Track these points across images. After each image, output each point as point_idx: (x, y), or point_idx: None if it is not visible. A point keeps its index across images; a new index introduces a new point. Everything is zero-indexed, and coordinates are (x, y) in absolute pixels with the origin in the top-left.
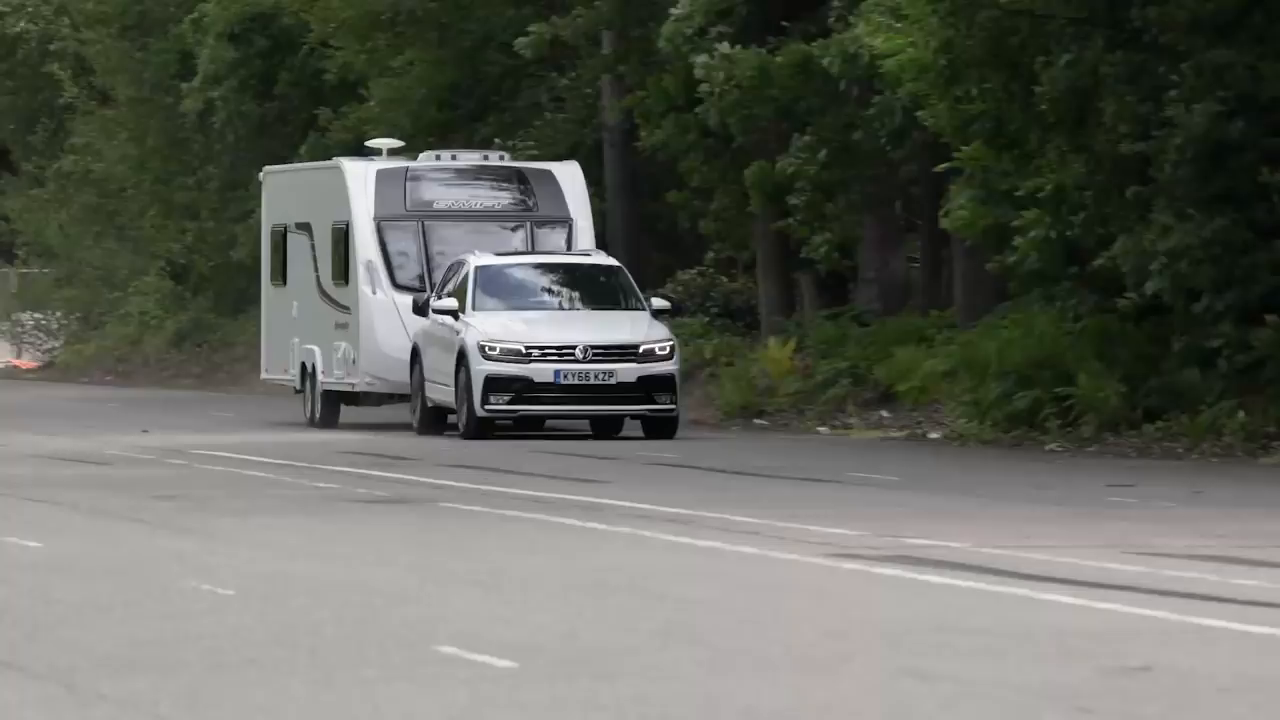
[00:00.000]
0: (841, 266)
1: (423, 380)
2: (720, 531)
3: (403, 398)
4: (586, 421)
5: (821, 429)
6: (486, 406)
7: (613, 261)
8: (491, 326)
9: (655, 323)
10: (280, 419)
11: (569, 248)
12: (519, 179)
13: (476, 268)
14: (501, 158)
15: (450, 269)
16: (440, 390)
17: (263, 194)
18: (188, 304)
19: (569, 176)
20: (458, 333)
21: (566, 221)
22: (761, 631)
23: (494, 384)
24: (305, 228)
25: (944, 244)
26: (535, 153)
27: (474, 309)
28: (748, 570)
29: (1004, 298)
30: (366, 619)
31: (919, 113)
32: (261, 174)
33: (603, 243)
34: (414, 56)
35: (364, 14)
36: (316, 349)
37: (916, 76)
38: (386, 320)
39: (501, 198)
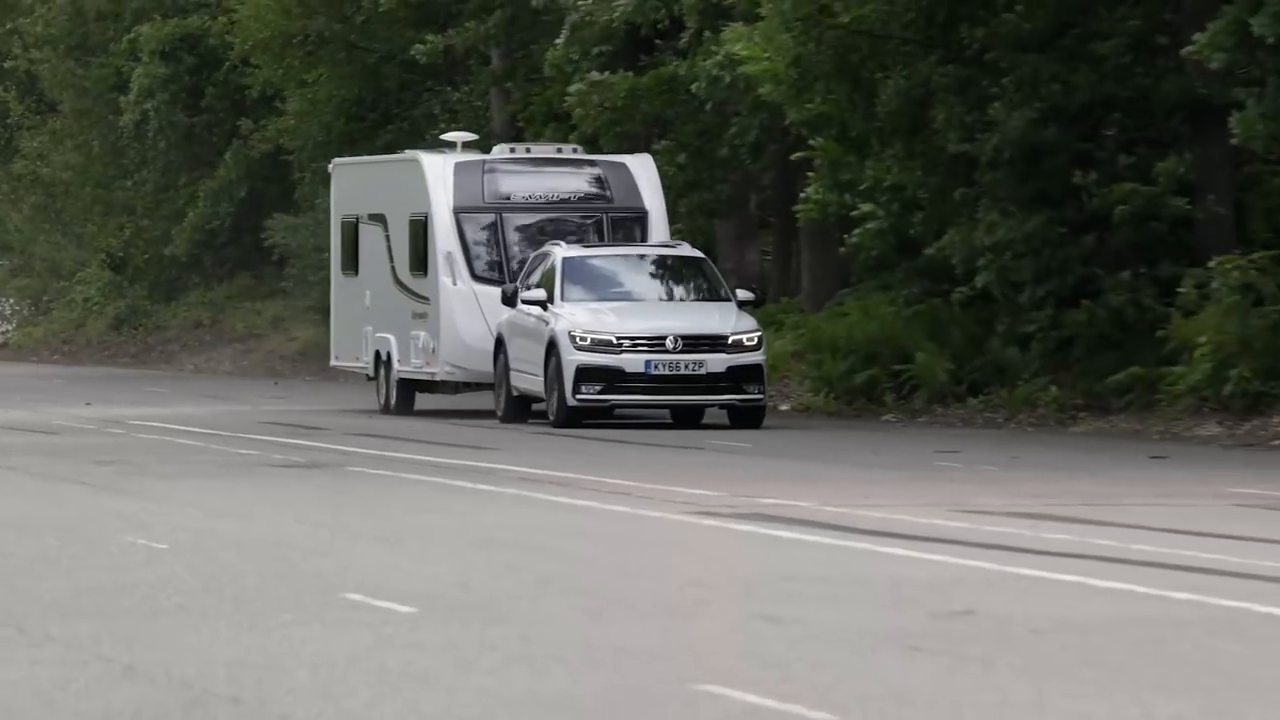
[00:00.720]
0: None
1: (507, 369)
2: (595, 493)
3: (480, 386)
4: (664, 410)
5: None
6: (578, 396)
7: (698, 253)
8: (582, 317)
9: (742, 314)
10: (213, 394)
11: (644, 239)
12: (594, 171)
13: (564, 259)
14: (575, 150)
15: (533, 260)
16: (526, 379)
17: (331, 186)
18: (125, 292)
19: (642, 168)
20: (546, 323)
21: (641, 213)
22: (632, 581)
23: (585, 374)
24: (379, 219)
25: (793, 238)
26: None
27: (563, 299)
28: (619, 527)
29: (847, 285)
30: (283, 570)
31: (786, 110)
32: (331, 166)
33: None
34: (324, 72)
35: (279, 35)
36: (392, 338)
37: (772, 84)
38: (466, 310)
39: (577, 190)
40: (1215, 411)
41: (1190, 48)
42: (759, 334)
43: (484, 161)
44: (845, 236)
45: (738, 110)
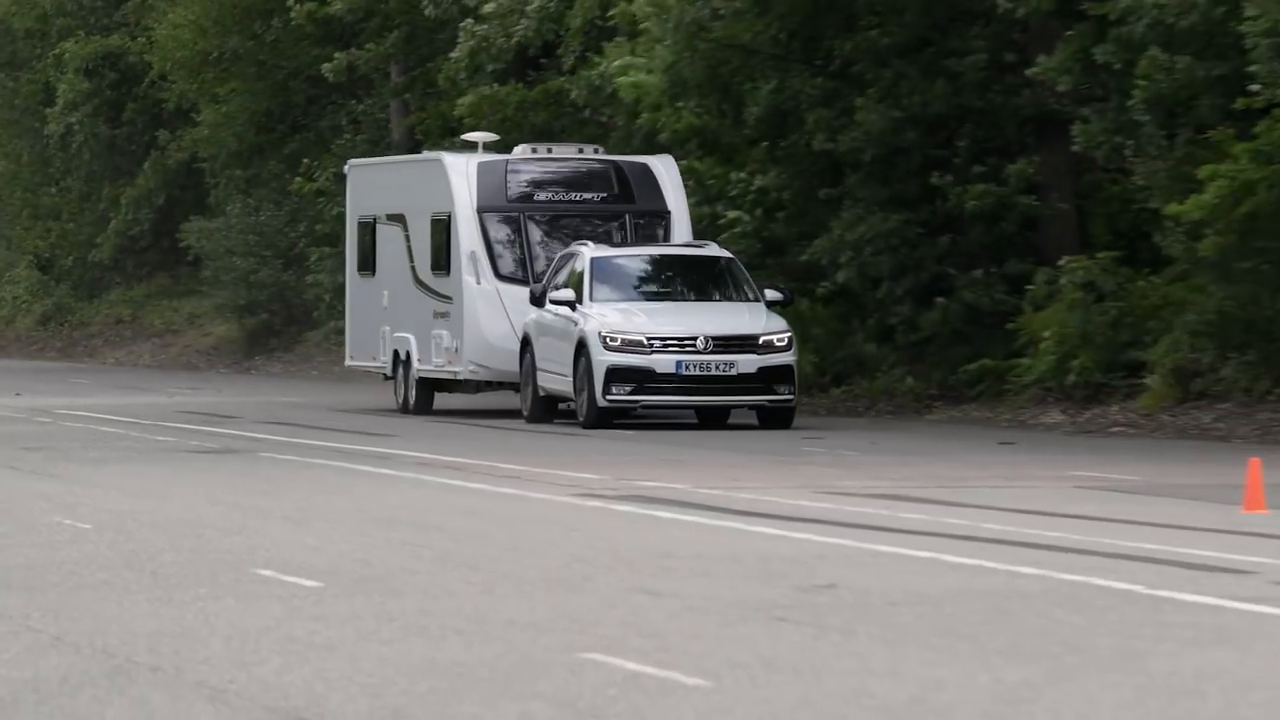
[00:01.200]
0: None
1: (534, 369)
2: (488, 476)
3: (503, 385)
4: (688, 410)
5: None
6: (608, 397)
7: (726, 253)
8: (612, 317)
9: (772, 314)
10: (133, 385)
11: (666, 239)
12: (616, 172)
13: (593, 259)
14: (596, 151)
15: (560, 260)
16: (553, 379)
17: (348, 187)
18: (52, 291)
19: (664, 170)
20: (575, 323)
21: (664, 213)
22: (520, 557)
23: (616, 374)
24: (398, 219)
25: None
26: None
27: (592, 300)
28: (510, 508)
29: None
30: (199, 547)
31: (659, 129)
32: (347, 167)
33: (700, 235)
34: (236, 87)
35: (195, 53)
36: (412, 337)
37: (646, 97)
38: (490, 309)
39: (600, 191)
40: (1059, 400)
41: (1035, 69)
42: (789, 334)
43: (506, 161)
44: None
45: (617, 121)
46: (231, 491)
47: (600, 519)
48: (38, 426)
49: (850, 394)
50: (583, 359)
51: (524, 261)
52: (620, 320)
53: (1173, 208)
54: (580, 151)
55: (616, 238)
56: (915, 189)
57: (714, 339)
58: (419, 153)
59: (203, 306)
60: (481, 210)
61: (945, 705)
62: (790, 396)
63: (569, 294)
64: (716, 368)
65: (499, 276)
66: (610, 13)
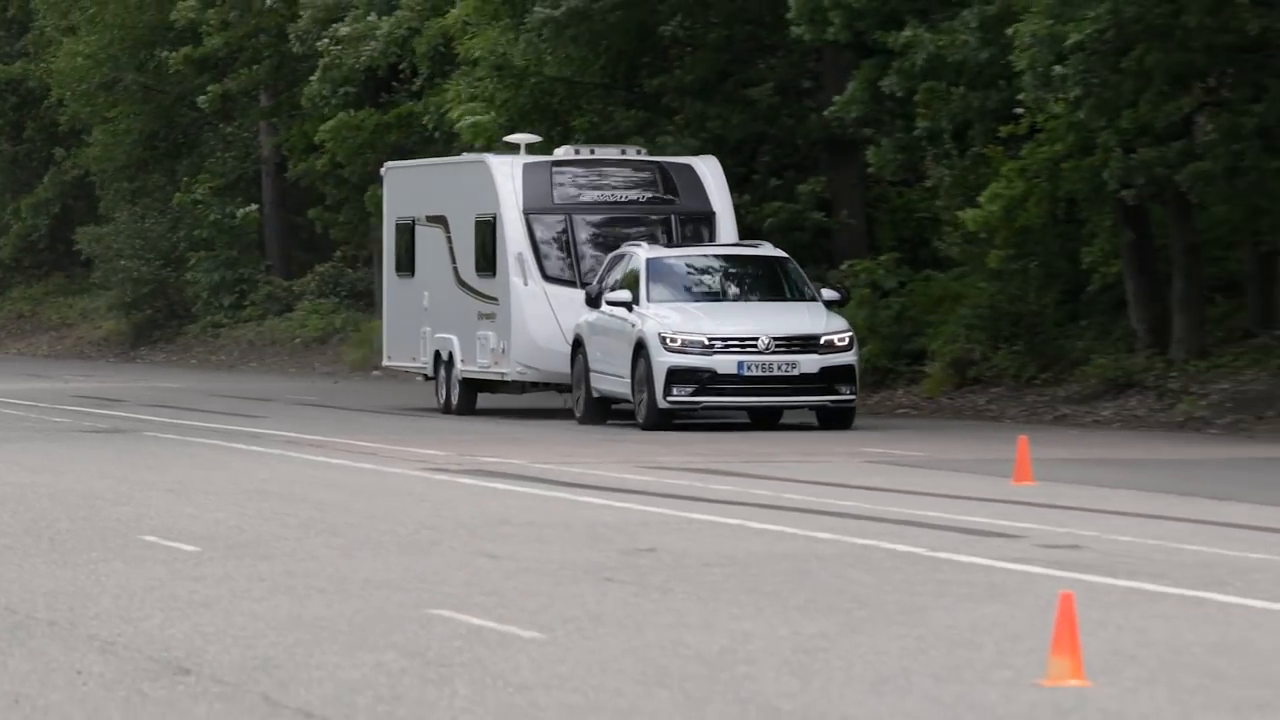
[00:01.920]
0: None
1: (587, 370)
2: (347, 452)
3: (550, 387)
4: (735, 410)
5: (419, 377)
6: (669, 398)
7: (781, 253)
8: (672, 318)
9: (831, 314)
10: (32, 372)
11: (711, 239)
12: (660, 173)
13: (648, 260)
14: (639, 152)
15: (611, 260)
16: (608, 380)
17: (384, 188)
18: None
19: (709, 170)
20: (633, 324)
21: (709, 214)
22: (376, 524)
23: (677, 375)
24: (439, 220)
25: None
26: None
27: (649, 301)
28: (367, 480)
29: None
30: (91, 516)
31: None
32: (384, 169)
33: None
34: (125, 110)
35: (89, 81)
36: (455, 338)
37: (485, 135)
38: (537, 311)
39: (645, 191)
40: None
41: (833, 108)
42: (850, 334)
43: (551, 163)
44: None
45: (460, 141)
46: (120, 466)
47: (446, 490)
48: None
49: None
50: (642, 360)
51: (571, 263)
52: (681, 321)
53: (965, 214)
54: (623, 153)
55: (662, 238)
56: None
57: (776, 339)
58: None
59: (94, 303)
60: (528, 211)
61: (752, 654)
62: (852, 397)
63: (626, 295)
64: (779, 368)
65: (546, 278)
66: (454, 44)
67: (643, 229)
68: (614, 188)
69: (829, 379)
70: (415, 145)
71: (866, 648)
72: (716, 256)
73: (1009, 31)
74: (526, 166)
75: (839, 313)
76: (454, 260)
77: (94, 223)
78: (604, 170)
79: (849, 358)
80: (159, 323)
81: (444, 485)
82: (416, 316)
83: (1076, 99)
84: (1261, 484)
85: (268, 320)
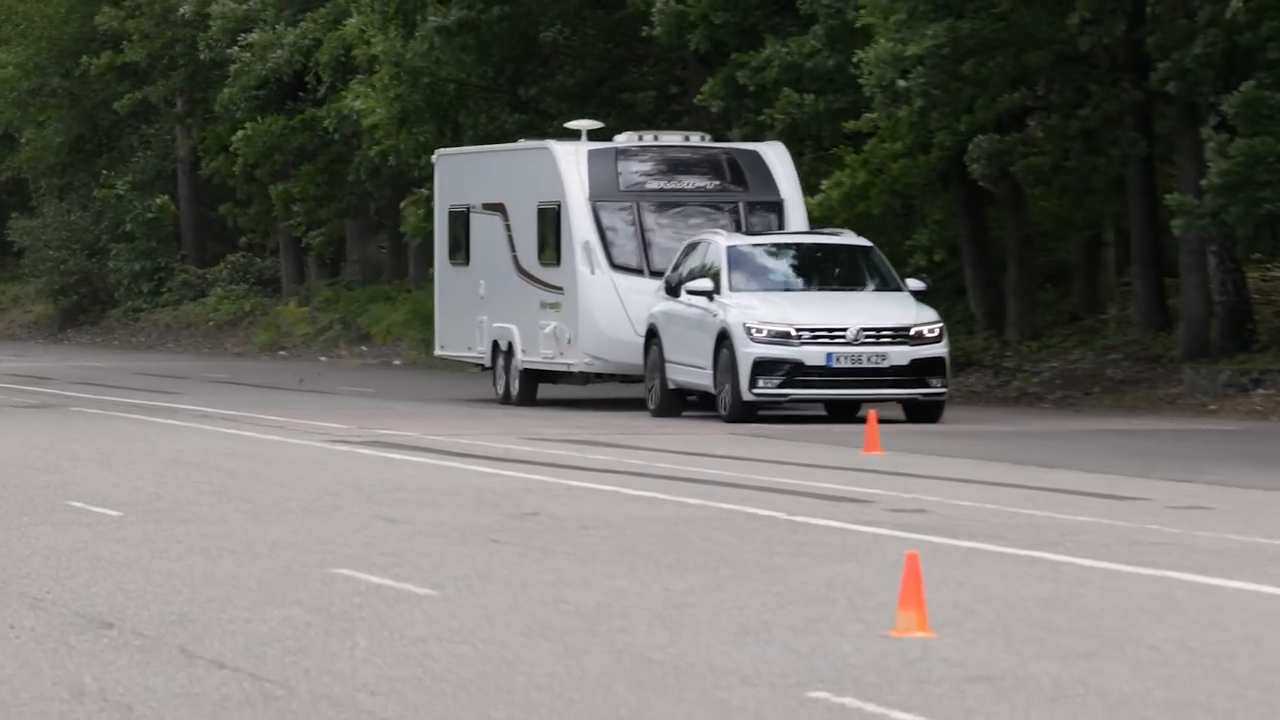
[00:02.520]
0: (330, 251)
1: (662, 361)
2: (256, 425)
3: (616, 378)
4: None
5: (323, 358)
6: (755, 390)
7: (865, 242)
8: (759, 308)
9: (921, 304)
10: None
11: (781, 228)
12: (727, 160)
13: (729, 247)
14: (702, 138)
15: (687, 249)
16: (685, 371)
17: (435, 177)
18: None
19: (776, 157)
20: (714, 314)
21: (778, 203)
22: (282, 491)
23: (763, 367)
24: (497, 208)
25: (402, 237)
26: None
27: (731, 290)
28: (273, 451)
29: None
30: (21, 484)
31: (389, 158)
32: (435, 157)
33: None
34: (52, 114)
35: (19, 88)
36: (515, 328)
37: (382, 129)
38: (605, 300)
39: (712, 179)
40: None
41: (700, 96)
42: (940, 325)
43: (617, 149)
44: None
45: (360, 144)
46: (48, 438)
47: (347, 460)
48: None
49: None
50: (725, 351)
51: (638, 251)
52: (766, 311)
53: (810, 199)
54: (686, 139)
55: (731, 226)
56: None
57: (864, 330)
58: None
59: (25, 290)
60: (594, 199)
61: (626, 609)
62: (943, 390)
63: (707, 284)
64: (868, 359)
65: (613, 266)
66: (354, 52)
67: (712, 217)
68: (681, 175)
69: (919, 371)
70: (317, 147)
71: (730, 603)
72: (798, 245)
73: (854, 59)
74: (591, 153)
75: (926, 302)
76: (514, 249)
77: (25, 216)
78: (670, 157)
79: (940, 349)
80: (84, 307)
81: (344, 455)
82: (472, 306)
83: (921, 109)
84: (1087, 453)
85: (183, 305)
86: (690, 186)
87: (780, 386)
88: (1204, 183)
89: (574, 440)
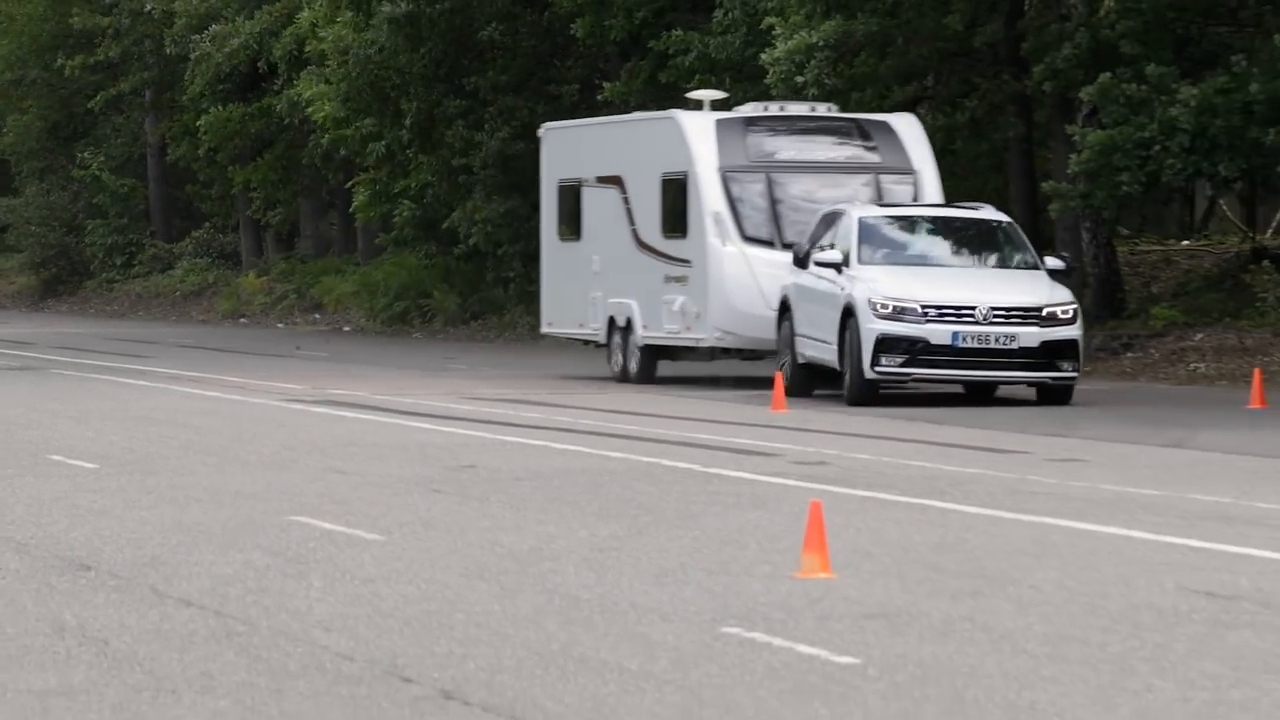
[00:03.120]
0: (285, 228)
1: (793, 336)
2: (220, 385)
3: (745, 353)
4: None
5: (280, 325)
6: (876, 368)
7: (1004, 217)
8: (884, 282)
9: (1055, 284)
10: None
11: (916, 200)
12: (859, 130)
13: (860, 219)
14: (830, 109)
15: (824, 220)
16: (816, 347)
17: (542, 151)
18: None
19: (907, 128)
20: (842, 288)
21: (911, 173)
22: (244, 445)
23: (886, 344)
24: (613, 181)
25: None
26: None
27: (860, 263)
28: (236, 409)
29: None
30: (6, 439)
31: (340, 149)
32: (542, 131)
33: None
34: (33, 104)
35: (2, 79)
36: (634, 303)
37: (332, 126)
38: (737, 273)
39: (844, 149)
40: None
41: (604, 93)
42: (1074, 306)
43: (746, 119)
44: (382, 234)
45: (313, 129)
46: (30, 397)
47: (302, 417)
48: None
49: (484, 327)
50: (850, 327)
51: (770, 222)
52: (892, 285)
53: None
54: (813, 109)
55: (864, 197)
56: (527, 180)
57: (995, 309)
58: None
59: (8, 263)
60: (724, 169)
61: (556, 552)
62: (1074, 374)
63: (836, 255)
64: (996, 340)
65: (745, 239)
66: (306, 46)
67: (846, 188)
68: (813, 145)
69: (1050, 354)
70: (273, 133)
71: (651, 547)
72: (933, 218)
73: (761, 58)
74: (720, 123)
75: (1063, 282)
76: (633, 221)
77: (8, 196)
78: (800, 126)
79: (1072, 331)
80: (62, 279)
81: (300, 413)
82: (584, 281)
83: (815, 99)
84: (973, 410)
85: (153, 276)
86: (823, 157)
87: (903, 365)
88: (1072, 169)
89: (508, 399)
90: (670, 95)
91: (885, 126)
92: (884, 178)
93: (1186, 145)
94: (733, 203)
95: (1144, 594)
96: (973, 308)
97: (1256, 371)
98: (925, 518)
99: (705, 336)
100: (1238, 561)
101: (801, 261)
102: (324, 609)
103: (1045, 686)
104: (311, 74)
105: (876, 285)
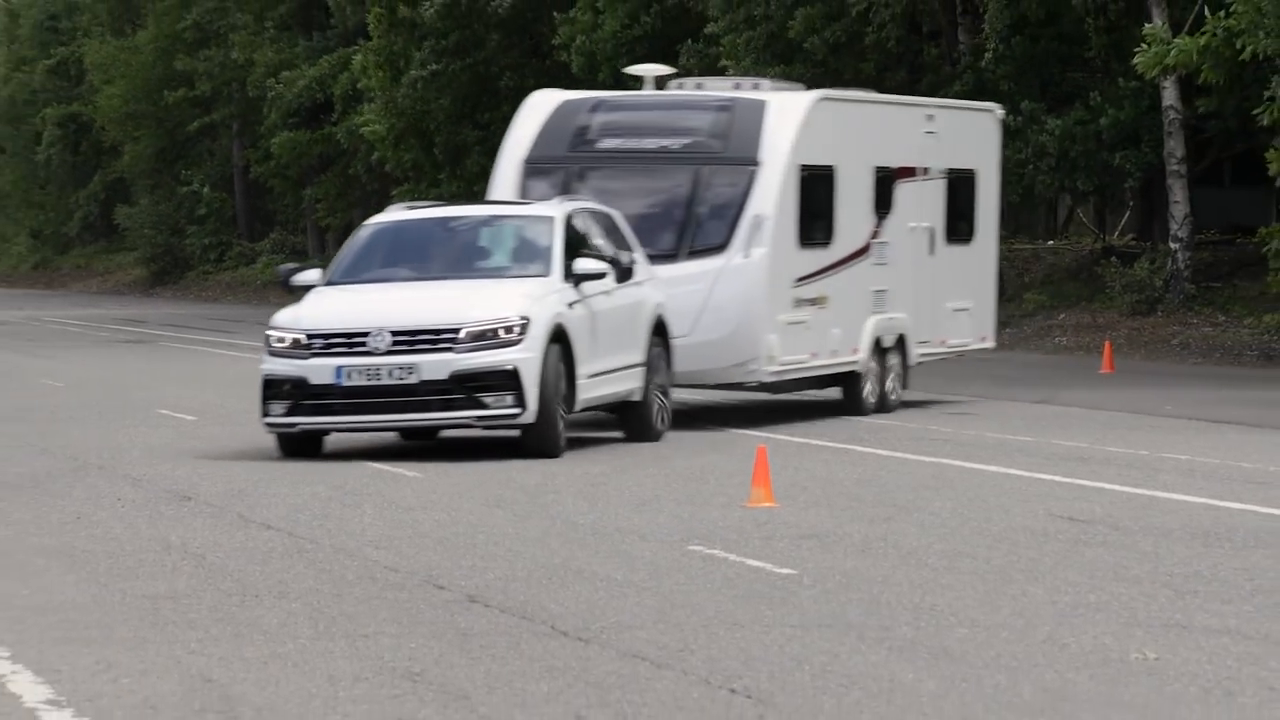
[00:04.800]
0: (341, 229)
1: None
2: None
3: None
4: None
5: None
6: (267, 419)
7: (551, 211)
8: (307, 309)
9: (540, 294)
10: (87, 304)
11: (746, 196)
12: (717, 112)
13: (372, 228)
14: (756, 86)
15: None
16: None
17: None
18: (39, 249)
19: (785, 109)
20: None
21: (753, 164)
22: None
23: (272, 387)
24: None
25: None
26: None
27: (328, 283)
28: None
29: None
30: (124, 397)
31: (385, 161)
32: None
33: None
34: (144, 132)
35: (121, 113)
36: None
37: (381, 145)
38: None
39: (683, 137)
40: None
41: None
42: (524, 320)
43: (596, 101)
44: None
45: (361, 152)
46: (142, 363)
47: None
48: (34, 327)
49: None
50: None
51: None
52: (308, 312)
53: None
54: (737, 86)
55: (678, 194)
56: (473, 167)
57: (397, 334)
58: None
59: (126, 259)
60: (531, 161)
61: (557, 486)
62: (515, 410)
63: (313, 275)
64: (390, 374)
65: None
66: (359, 84)
67: (660, 181)
68: (649, 131)
69: (468, 387)
70: (332, 155)
71: (631, 481)
72: (448, 219)
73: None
74: (563, 105)
75: (589, 290)
76: None
77: (127, 204)
78: (651, 106)
79: (511, 355)
80: (168, 271)
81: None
82: None
83: None
84: None
85: (239, 269)
86: (649, 146)
87: (289, 414)
88: None
89: None
90: None
91: (759, 107)
92: (709, 170)
93: (1053, 165)
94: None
95: (1020, 519)
96: (364, 334)
97: (1107, 344)
98: (848, 459)
99: None
100: (1092, 493)
101: (285, 283)
102: (374, 531)
103: (943, 592)
104: (361, 111)
105: (299, 312)
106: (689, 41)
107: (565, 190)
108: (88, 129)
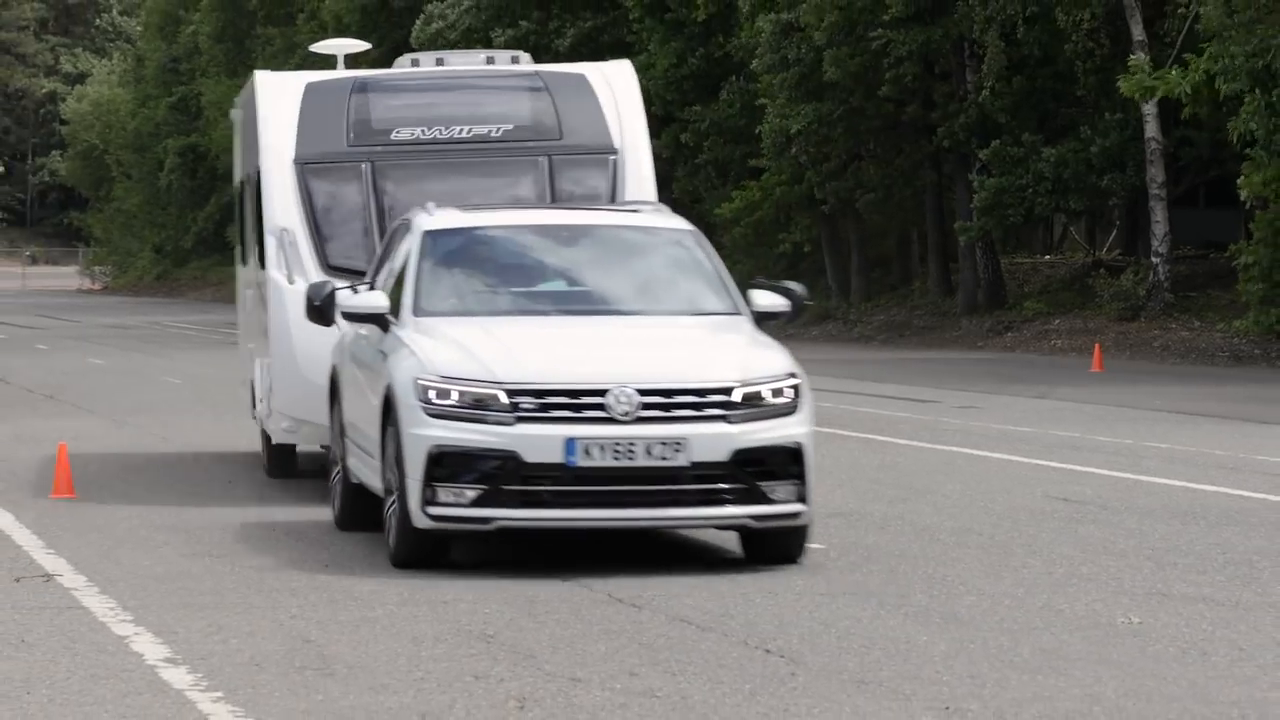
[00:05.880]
0: None
1: (343, 437)
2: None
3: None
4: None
5: None
6: (430, 508)
7: (683, 224)
8: (444, 346)
9: (761, 339)
10: (205, 311)
11: (615, 198)
12: (535, 91)
13: (425, 234)
14: (515, 60)
15: (391, 237)
16: (362, 459)
17: None
18: (160, 262)
19: (613, 82)
20: (385, 356)
21: (611, 153)
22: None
23: (445, 464)
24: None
25: None
26: None
27: (416, 311)
28: None
29: None
30: (222, 392)
31: None
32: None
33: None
34: None
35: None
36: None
37: None
38: (310, 326)
39: (503, 121)
40: None
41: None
42: (795, 381)
43: (357, 81)
44: None
45: None
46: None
47: None
48: (156, 331)
49: None
50: (390, 426)
51: (372, 242)
52: (455, 352)
53: (720, 208)
54: (490, 60)
55: (526, 193)
56: None
57: (644, 391)
58: None
59: (228, 271)
60: (303, 161)
61: None
62: (799, 507)
63: (378, 299)
64: (648, 452)
65: (329, 268)
66: None
67: (501, 178)
68: (457, 116)
69: (751, 472)
70: None
71: None
72: (554, 227)
73: (757, 130)
74: (312, 89)
75: (772, 334)
76: (242, 242)
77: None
78: (442, 86)
79: (790, 429)
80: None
81: None
82: None
83: (802, 163)
84: (902, 372)
85: None
86: (467, 134)
87: (477, 504)
88: (971, 206)
89: None
90: (692, 151)
91: (579, 83)
92: (563, 161)
93: (1049, 189)
94: (313, 213)
95: (1020, 500)
96: (599, 390)
97: (1096, 346)
98: (869, 447)
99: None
100: (1084, 477)
101: (320, 310)
102: None
103: (953, 564)
104: None
105: (432, 353)
106: (733, 79)
107: (376, 194)
108: (204, 158)
